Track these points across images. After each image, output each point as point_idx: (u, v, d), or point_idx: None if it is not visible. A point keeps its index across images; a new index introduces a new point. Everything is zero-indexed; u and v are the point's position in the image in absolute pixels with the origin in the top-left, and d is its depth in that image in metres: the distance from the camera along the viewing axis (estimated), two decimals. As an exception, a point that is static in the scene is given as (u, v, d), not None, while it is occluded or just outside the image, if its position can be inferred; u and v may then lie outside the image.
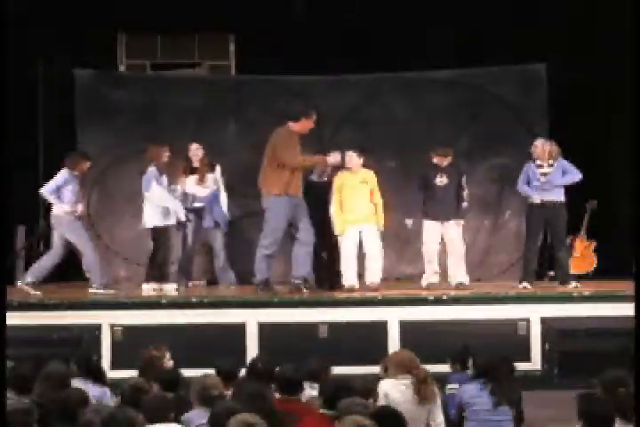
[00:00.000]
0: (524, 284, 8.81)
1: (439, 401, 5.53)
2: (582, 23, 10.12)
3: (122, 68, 11.31)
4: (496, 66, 10.47)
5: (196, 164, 9.56)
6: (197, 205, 9.46)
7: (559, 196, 8.89)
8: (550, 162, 8.87)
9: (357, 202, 8.78)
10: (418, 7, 10.27)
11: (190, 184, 9.49)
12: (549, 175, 8.84)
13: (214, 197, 9.51)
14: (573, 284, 8.79)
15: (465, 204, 8.93)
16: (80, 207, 8.75)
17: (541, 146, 8.88)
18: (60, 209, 8.62)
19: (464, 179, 8.97)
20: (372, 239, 8.78)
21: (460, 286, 8.70)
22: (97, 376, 5.69)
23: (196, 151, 9.51)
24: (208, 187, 9.49)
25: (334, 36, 10.31)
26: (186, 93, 10.60)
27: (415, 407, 5.27)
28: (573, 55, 10.21)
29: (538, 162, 8.90)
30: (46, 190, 8.63)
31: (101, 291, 8.57)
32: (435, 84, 10.62)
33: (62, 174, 8.70)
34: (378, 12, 10.34)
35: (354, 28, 10.33)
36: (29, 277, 8.61)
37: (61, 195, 8.62)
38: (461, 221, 8.93)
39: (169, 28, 10.87)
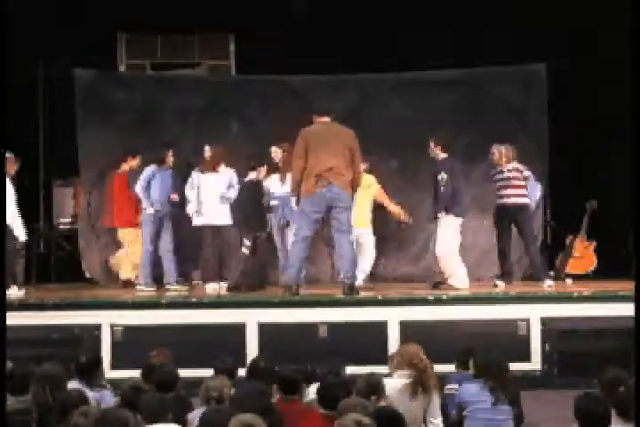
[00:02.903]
0: (498, 282, 9.04)
1: (437, 400, 5.57)
2: (582, 23, 10.13)
3: (122, 68, 11.33)
4: (496, 66, 10.48)
5: (279, 163, 9.41)
6: (273, 203, 9.36)
7: (522, 198, 9.09)
8: (510, 166, 9.08)
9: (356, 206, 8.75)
10: (418, 7, 10.27)
11: (273, 182, 9.38)
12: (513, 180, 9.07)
13: (289, 196, 9.11)
14: (548, 282, 8.97)
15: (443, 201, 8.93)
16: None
17: (498, 152, 9.12)
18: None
19: (441, 176, 8.91)
20: (365, 243, 8.89)
21: (450, 288, 8.71)
22: (94, 379, 5.66)
23: (275, 153, 9.40)
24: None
25: (334, 36, 10.31)
26: (186, 93, 10.61)
27: (410, 404, 5.32)
28: (573, 55, 10.22)
29: (499, 168, 9.13)
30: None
31: (175, 287, 9.16)
32: (435, 84, 10.62)
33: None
34: (378, 11, 10.34)
35: (354, 28, 10.33)
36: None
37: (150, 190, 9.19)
38: (446, 219, 8.90)
39: (169, 28, 10.89)
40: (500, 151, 9.10)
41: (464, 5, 10.29)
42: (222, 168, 9.27)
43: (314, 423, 4.78)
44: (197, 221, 9.27)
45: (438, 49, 10.43)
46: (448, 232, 8.84)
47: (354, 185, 8.19)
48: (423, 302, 8.02)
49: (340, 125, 8.29)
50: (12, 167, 8.68)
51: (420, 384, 5.44)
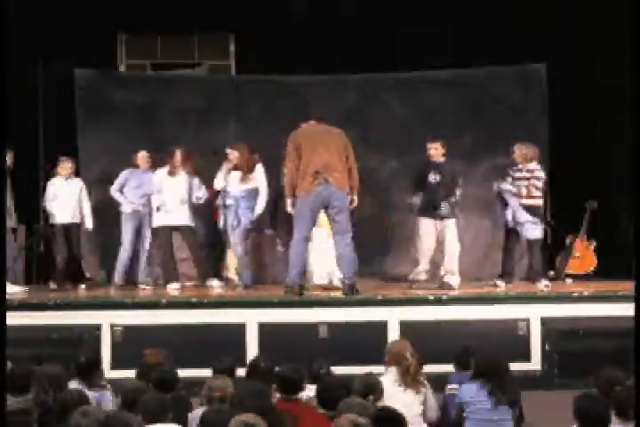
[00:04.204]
0: (498, 281, 8.98)
1: (432, 401, 5.62)
2: (582, 23, 10.12)
3: (122, 68, 11.31)
4: (496, 66, 10.47)
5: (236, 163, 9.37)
6: (229, 202, 9.32)
7: (534, 200, 9.03)
8: (530, 166, 9.03)
9: None
10: (418, 7, 10.27)
11: (231, 181, 9.33)
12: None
13: (245, 195, 9.24)
14: (544, 282, 8.96)
15: (444, 203, 8.94)
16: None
17: (519, 150, 9.08)
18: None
19: (459, 179, 8.99)
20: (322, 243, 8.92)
21: (445, 285, 8.71)
22: (94, 379, 5.66)
23: (232, 154, 9.31)
24: (249, 186, 9.27)
25: (334, 36, 10.30)
26: (186, 93, 10.60)
27: (402, 399, 5.42)
28: (573, 55, 10.21)
29: (519, 166, 9.08)
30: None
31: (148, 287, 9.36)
32: (435, 84, 10.62)
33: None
34: (377, 11, 10.34)
35: (354, 28, 10.32)
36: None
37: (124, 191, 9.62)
38: (453, 220, 8.94)
39: (169, 28, 10.87)
40: (519, 149, 9.08)
41: (464, 5, 10.28)
42: (185, 170, 9.42)
43: (314, 423, 4.79)
44: (158, 221, 9.38)
45: (438, 49, 10.42)
46: (455, 233, 8.92)
47: (353, 186, 8.17)
48: (423, 302, 8.03)
49: (328, 125, 8.33)
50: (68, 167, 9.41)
51: (405, 382, 5.56)
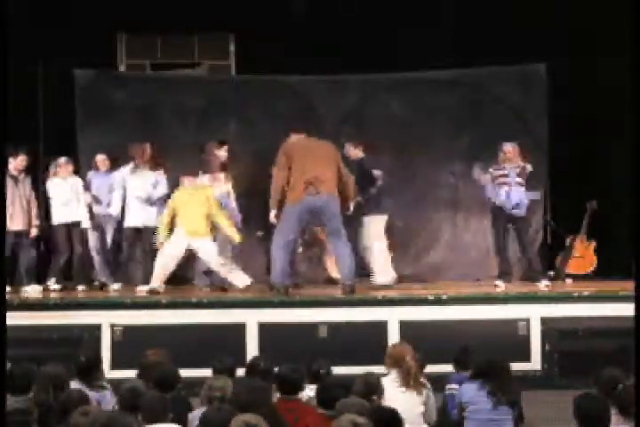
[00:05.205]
0: (498, 282, 8.94)
1: (432, 402, 5.62)
2: (582, 23, 10.12)
3: (122, 68, 11.30)
4: (496, 66, 10.47)
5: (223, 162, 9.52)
6: None
7: (522, 197, 9.00)
8: (513, 164, 9.01)
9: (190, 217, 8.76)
10: (418, 7, 10.27)
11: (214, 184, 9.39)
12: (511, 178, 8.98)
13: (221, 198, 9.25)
14: (544, 282, 8.93)
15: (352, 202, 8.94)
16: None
17: (514, 149, 9.05)
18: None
19: (373, 171, 8.98)
20: (205, 253, 8.82)
21: (375, 285, 8.73)
22: (94, 379, 5.65)
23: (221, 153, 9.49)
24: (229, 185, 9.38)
25: (334, 36, 10.30)
26: (186, 93, 10.60)
27: (405, 400, 5.45)
28: (573, 55, 10.21)
29: (504, 164, 9.05)
30: None
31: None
32: (435, 84, 10.62)
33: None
34: (377, 11, 10.34)
35: (354, 28, 10.32)
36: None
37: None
38: (371, 218, 8.95)
39: (169, 28, 10.87)
40: (514, 148, 9.06)
41: (464, 5, 10.29)
42: (150, 168, 9.38)
43: (314, 423, 4.79)
44: (125, 222, 9.35)
45: (438, 49, 10.42)
46: (370, 230, 8.91)
47: (349, 196, 8.26)
48: (423, 302, 8.04)
49: (317, 139, 8.49)
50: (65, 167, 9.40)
51: (406, 384, 5.59)
